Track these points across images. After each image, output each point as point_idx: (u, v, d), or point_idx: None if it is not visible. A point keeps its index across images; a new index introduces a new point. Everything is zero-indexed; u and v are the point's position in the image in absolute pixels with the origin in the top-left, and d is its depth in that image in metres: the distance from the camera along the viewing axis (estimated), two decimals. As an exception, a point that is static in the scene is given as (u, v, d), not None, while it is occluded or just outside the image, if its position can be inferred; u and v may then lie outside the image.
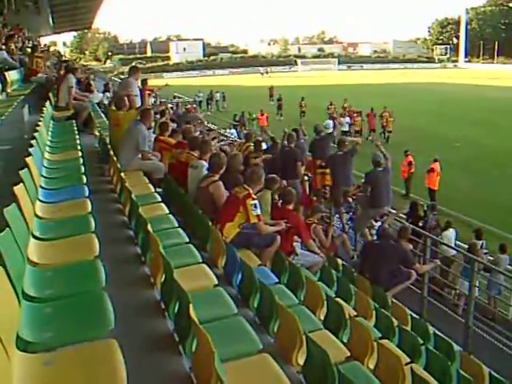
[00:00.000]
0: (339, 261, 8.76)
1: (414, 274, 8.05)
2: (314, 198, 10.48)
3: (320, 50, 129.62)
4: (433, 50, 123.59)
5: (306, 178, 11.83)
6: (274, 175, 7.64)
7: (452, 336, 7.41)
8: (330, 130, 20.17)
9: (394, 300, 7.52)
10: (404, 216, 12.01)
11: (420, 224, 11.87)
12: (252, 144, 11.85)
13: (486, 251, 11.13)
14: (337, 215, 11.26)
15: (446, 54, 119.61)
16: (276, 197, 8.15)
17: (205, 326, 3.31)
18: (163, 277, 4.28)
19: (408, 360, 5.08)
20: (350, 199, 10.91)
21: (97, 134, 10.15)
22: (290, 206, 7.51)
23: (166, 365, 3.54)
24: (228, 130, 25.84)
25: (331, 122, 27.86)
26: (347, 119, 29.95)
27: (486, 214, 16.42)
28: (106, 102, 14.98)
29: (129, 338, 3.21)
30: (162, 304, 4.18)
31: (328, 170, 11.19)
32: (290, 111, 36.54)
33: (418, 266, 8.15)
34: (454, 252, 10.39)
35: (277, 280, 5.73)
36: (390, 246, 7.95)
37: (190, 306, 3.40)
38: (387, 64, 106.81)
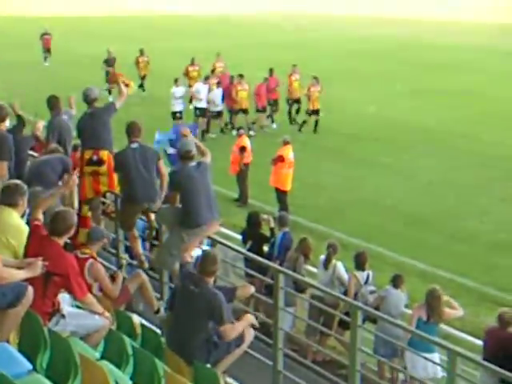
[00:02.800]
0: (136, 319, 6.93)
1: (250, 337, 6.36)
2: (89, 214, 8.34)
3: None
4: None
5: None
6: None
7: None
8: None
9: (228, 380, 6.27)
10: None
11: (265, 248, 10.28)
12: None
13: (372, 288, 9.21)
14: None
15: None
16: (41, 217, 6.33)
17: None
18: None
19: None
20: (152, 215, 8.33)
21: None
22: (61, 240, 5.97)
23: None
24: None
25: (205, 86, 21.65)
26: (218, 90, 22.20)
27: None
28: None
29: None
30: None
31: (103, 169, 8.37)
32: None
33: (228, 327, 6.06)
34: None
35: (30, 366, 4.81)
36: (194, 290, 6.14)
37: None
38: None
